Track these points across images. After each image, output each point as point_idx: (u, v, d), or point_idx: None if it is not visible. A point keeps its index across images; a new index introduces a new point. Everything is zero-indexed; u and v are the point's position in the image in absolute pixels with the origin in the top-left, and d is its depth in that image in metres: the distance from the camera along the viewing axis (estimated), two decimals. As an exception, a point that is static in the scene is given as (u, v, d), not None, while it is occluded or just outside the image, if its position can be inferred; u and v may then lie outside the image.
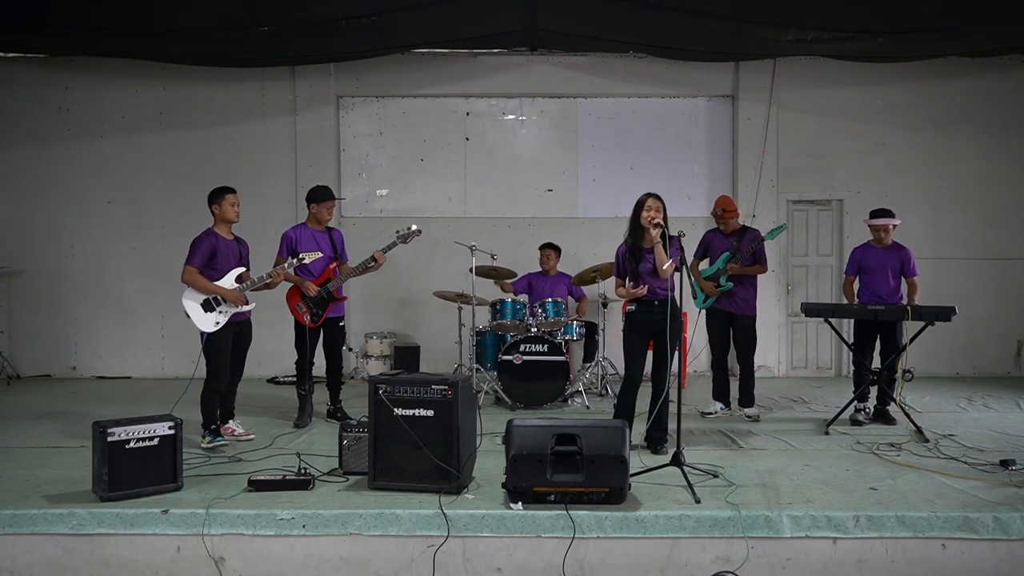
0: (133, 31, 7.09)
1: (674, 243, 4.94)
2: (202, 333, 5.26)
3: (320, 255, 5.78)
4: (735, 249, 6.18)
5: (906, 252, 6.16)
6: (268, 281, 5.44)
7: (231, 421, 5.62)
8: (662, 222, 4.93)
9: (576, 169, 8.81)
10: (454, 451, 4.16)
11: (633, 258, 5.15)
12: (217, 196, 5.47)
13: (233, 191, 5.51)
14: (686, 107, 8.81)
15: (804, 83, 8.58)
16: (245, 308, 5.41)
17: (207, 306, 5.26)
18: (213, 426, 5.33)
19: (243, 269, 5.47)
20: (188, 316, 5.25)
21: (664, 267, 4.85)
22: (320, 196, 6.07)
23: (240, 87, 8.61)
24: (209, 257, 5.30)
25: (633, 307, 5.18)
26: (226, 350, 5.38)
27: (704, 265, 6.43)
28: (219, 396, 5.41)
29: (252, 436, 5.56)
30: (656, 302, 5.03)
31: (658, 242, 4.90)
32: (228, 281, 5.36)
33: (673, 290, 4.96)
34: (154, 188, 8.66)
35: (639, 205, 5.08)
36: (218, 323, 5.27)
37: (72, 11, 6.57)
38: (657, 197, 5.06)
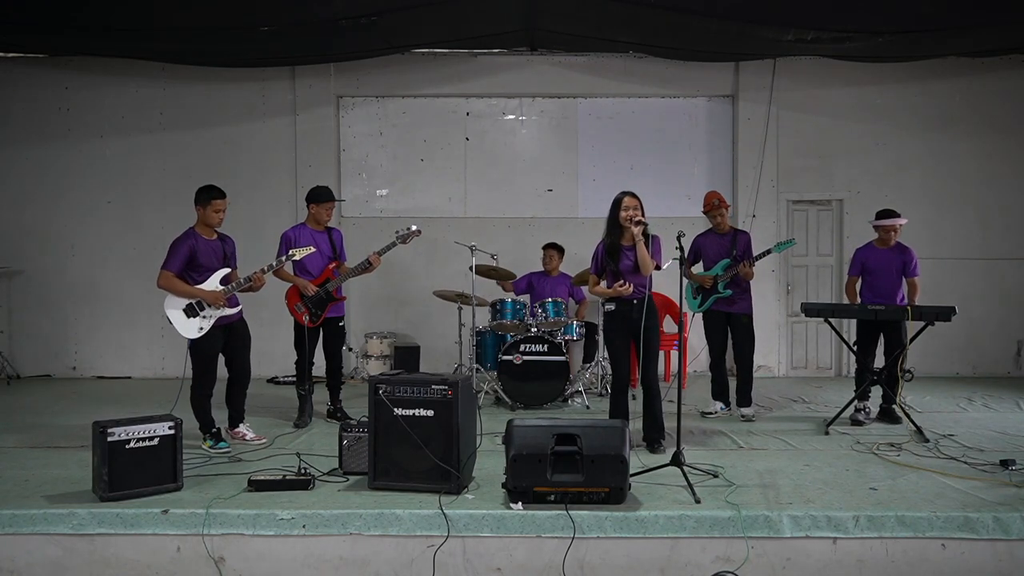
0: (133, 31, 7.09)
1: (655, 242, 4.96)
2: (188, 340, 5.12)
3: (312, 250, 5.64)
4: (734, 257, 6.17)
5: (909, 253, 6.17)
6: (248, 285, 5.23)
7: (241, 425, 5.51)
8: (644, 219, 4.96)
9: (576, 169, 8.81)
10: (454, 451, 4.16)
11: (612, 257, 5.16)
12: (204, 198, 5.22)
13: (221, 196, 5.24)
14: (686, 107, 8.81)
15: (804, 83, 8.58)
16: (231, 311, 5.24)
17: (189, 312, 5.10)
18: (214, 429, 5.24)
19: (228, 270, 5.30)
20: (171, 323, 5.10)
21: (662, 267, 4.88)
22: (320, 197, 6.06)
23: (240, 87, 8.61)
24: (189, 259, 5.11)
25: (612, 307, 5.19)
26: (213, 355, 5.24)
27: (697, 270, 6.43)
28: (207, 400, 5.25)
29: (264, 440, 5.44)
30: (635, 300, 5.04)
31: (640, 240, 4.92)
32: (213, 283, 5.18)
33: (650, 288, 5.00)
34: (154, 188, 8.66)
35: (616, 204, 5.12)
36: (202, 328, 5.11)
37: (73, 11, 6.57)
38: (634, 195, 5.09)
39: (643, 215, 5.03)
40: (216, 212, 5.25)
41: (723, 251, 6.25)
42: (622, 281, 5.10)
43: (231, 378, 5.46)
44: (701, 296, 6.31)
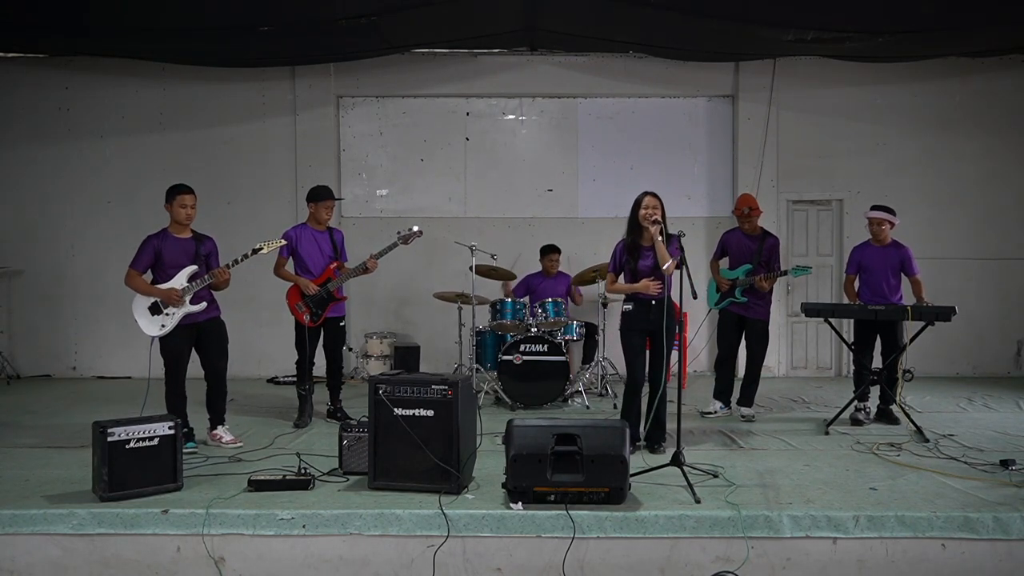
0: (133, 31, 7.09)
1: (673, 242, 4.94)
2: (151, 338, 5.15)
3: (283, 243, 5.63)
4: (756, 262, 6.14)
5: (905, 251, 6.16)
6: (210, 281, 5.21)
7: (219, 428, 5.47)
8: (660, 219, 4.96)
9: (576, 169, 8.81)
10: (454, 451, 4.16)
11: (631, 256, 5.16)
12: (169, 195, 5.26)
13: (187, 191, 5.24)
14: (686, 107, 8.80)
15: (804, 83, 8.58)
16: (195, 308, 5.21)
17: (154, 309, 5.14)
18: (185, 429, 5.11)
19: (196, 268, 5.26)
20: (136, 322, 5.13)
21: (665, 266, 4.86)
22: (318, 196, 6.06)
23: (240, 87, 8.61)
24: (154, 259, 5.17)
25: (629, 307, 5.19)
26: (180, 354, 5.23)
27: (723, 265, 6.42)
28: (181, 399, 5.24)
29: (240, 443, 5.41)
30: (653, 302, 5.03)
31: (658, 239, 4.92)
32: (179, 280, 5.18)
33: (670, 289, 4.97)
34: (154, 188, 8.52)
35: (637, 204, 5.11)
36: (164, 326, 5.13)
37: (72, 11, 6.57)
38: (655, 195, 5.09)
39: (663, 215, 5.03)
40: (182, 207, 5.24)
41: (749, 253, 6.22)
42: (629, 281, 5.14)
43: (206, 380, 5.42)
44: (719, 295, 6.31)
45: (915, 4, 6.37)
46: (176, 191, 5.28)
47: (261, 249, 5.35)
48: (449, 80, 8.64)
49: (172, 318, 5.16)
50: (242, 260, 5.31)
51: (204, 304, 5.29)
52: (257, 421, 6.21)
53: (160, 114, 8.69)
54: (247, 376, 8.34)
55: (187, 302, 5.19)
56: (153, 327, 5.15)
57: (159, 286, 5.18)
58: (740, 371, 6.54)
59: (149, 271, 5.27)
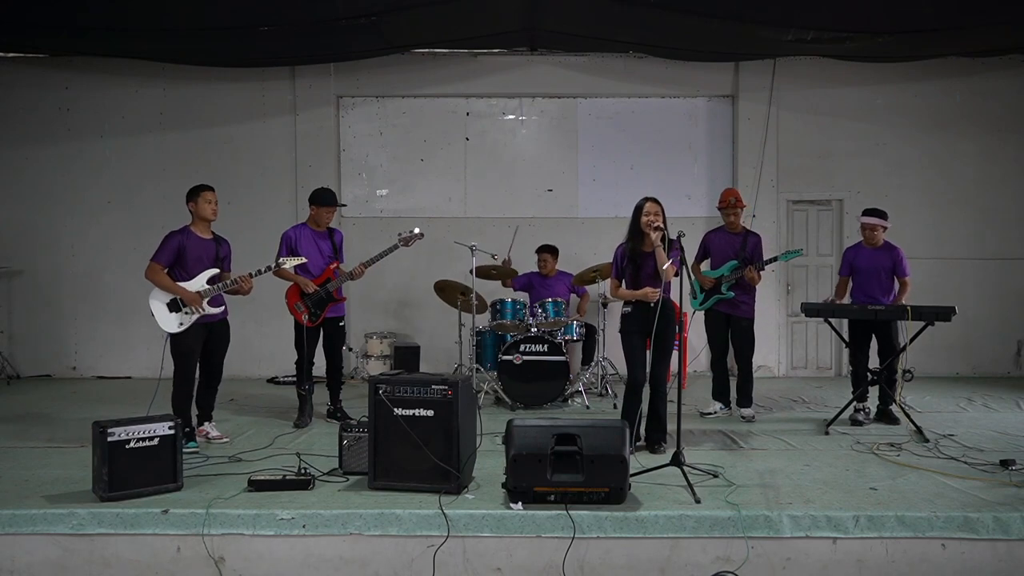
0: (133, 31, 7.09)
1: (673, 246, 4.95)
2: (167, 334, 5.19)
3: (303, 260, 5.69)
4: (742, 259, 6.15)
5: (897, 252, 6.14)
6: (235, 287, 5.26)
7: (207, 424, 5.53)
8: (662, 225, 4.95)
9: (576, 169, 8.81)
10: (454, 451, 4.16)
11: (633, 263, 5.16)
12: (193, 193, 5.36)
13: (210, 188, 5.40)
14: (686, 107, 8.80)
15: (804, 83, 8.58)
16: (214, 310, 5.29)
17: (173, 306, 5.17)
18: (187, 429, 5.17)
19: (216, 271, 5.34)
20: (152, 315, 5.15)
21: (664, 267, 4.86)
22: (321, 200, 6.05)
23: (240, 87, 8.61)
24: (176, 255, 5.20)
25: (629, 308, 5.19)
26: (193, 352, 5.28)
27: (705, 267, 6.41)
28: (188, 399, 5.29)
29: (226, 439, 5.47)
30: (652, 304, 5.04)
31: (659, 245, 4.93)
32: (199, 282, 5.23)
33: (669, 291, 4.97)
34: (154, 188, 8.65)
35: (638, 210, 5.10)
36: (182, 324, 5.17)
37: (72, 11, 6.57)
38: (656, 201, 5.08)
39: (664, 221, 5.02)
40: (208, 203, 5.34)
41: (732, 251, 6.23)
42: (632, 288, 5.14)
43: (203, 377, 5.48)
44: (704, 295, 6.31)
45: (915, 4, 6.37)
46: (200, 189, 5.38)
47: (283, 264, 5.49)
48: (449, 80, 8.64)
49: (191, 316, 5.21)
50: (265, 271, 5.40)
51: (223, 307, 5.40)
52: (257, 421, 6.21)
53: (160, 114, 8.69)
54: (247, 376, 8.34)
55: (206, 304, 5.25)
56: (171, 323, 5.17)
57: (181, 284, 5.20)
58: (735, 369, 6.54)
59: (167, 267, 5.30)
